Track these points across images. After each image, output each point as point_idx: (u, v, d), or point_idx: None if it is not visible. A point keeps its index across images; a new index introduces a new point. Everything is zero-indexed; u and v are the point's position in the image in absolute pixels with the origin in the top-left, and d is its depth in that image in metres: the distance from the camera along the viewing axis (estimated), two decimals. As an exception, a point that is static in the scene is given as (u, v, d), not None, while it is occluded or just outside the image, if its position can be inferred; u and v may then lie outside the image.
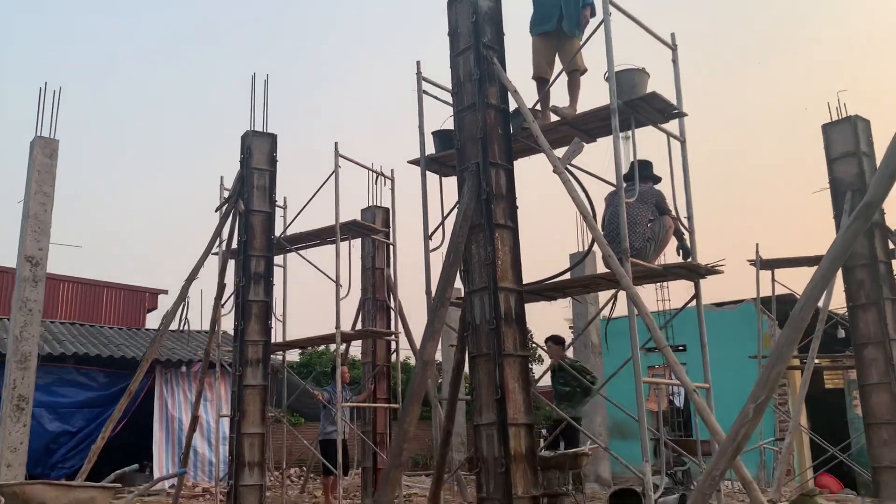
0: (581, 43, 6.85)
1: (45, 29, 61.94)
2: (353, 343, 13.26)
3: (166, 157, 61.47)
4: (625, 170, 6.76)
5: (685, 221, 6.66)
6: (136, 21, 66.24)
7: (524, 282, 6.25)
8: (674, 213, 6.71)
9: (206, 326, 12.71)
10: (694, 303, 6.75)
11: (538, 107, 7.01)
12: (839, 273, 9.93)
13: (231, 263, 9.35)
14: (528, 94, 6.97)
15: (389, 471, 5.04)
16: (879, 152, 10.09)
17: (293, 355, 29.23)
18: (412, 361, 20.99)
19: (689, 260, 6.57)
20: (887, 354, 9.51)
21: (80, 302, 20.68)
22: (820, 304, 10.13)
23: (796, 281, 13.01)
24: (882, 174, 3.82)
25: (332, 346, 17.70)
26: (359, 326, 11.53)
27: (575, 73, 6.94)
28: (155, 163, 59.89)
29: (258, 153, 9.05)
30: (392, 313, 11.29)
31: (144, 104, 63.13)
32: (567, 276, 7.13)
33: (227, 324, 10.41)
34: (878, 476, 9.46)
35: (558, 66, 7.09)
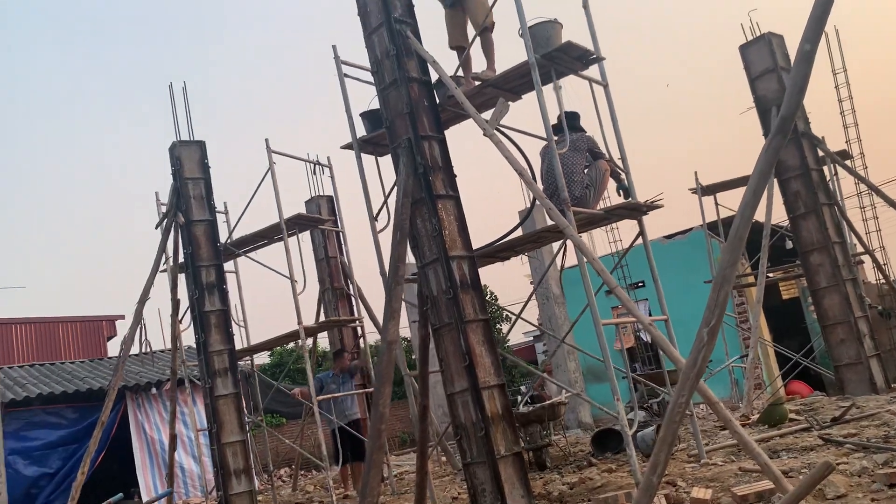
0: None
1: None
2: (322, 335, 13.26)
3: (98, 181, 59.83)
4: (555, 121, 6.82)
5: (619, 163, 6.77)
6: (37, 44, 63.91)
7: (475, 247, 6.33)
8: (607, 155, 6.80)
9: (168, 345, 12.57)
10: (641, 240, 6.90)
11: (461, 72, 7.01)
12: (776, 187, 10.22)
13: (182, 277, 9.22)
14: (448, 61, 6.97)
15: (371, 453, 5.10)
16: (796, 65, 10.34)
17: (263, 357, 29.05)
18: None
19: (630, 199, 6.69)
20: (832, 257, 9.87)
21: (37, 342, 20.19)
22: (762, 219, 10.45)
23: (738, 201, 13.36)
24: (792, 88, 3.93)
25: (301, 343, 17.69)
26: (322, 317, 11.50)
27: (486, 32, 6.88)
28: (87, 189, 58.25)
29: (189, 162, 8.90)
30: (353, 299, 11.28)
31: (60, 131, 61.12)
32: (516, 234, 7.22)
33: (190, 338, 10.29)
34: (840, 374, 9.88)
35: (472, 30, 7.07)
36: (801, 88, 4.01)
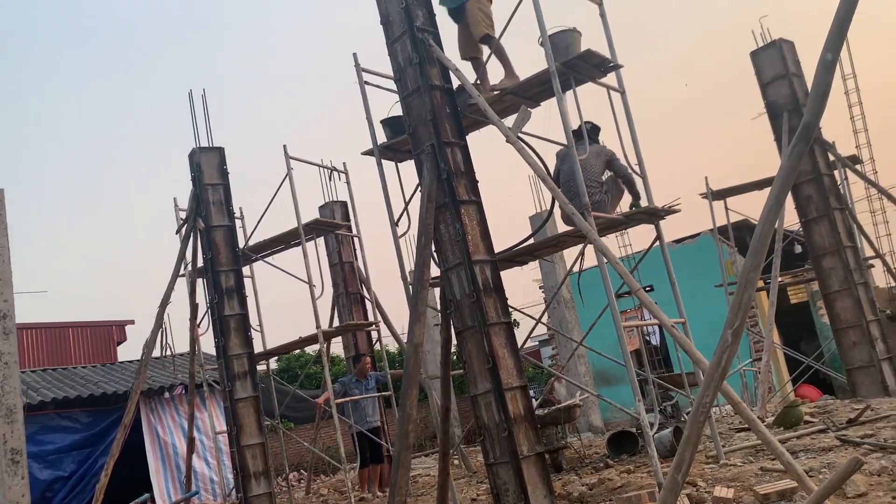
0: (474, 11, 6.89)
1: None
2: (333, 341, 13.33)
3: (100, 189, 60.15)
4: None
5: (636, 168, 6.86)
6: (56, 53, 64.30)
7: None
8: (627, 168, 6.81)
9: (181, 349, 12.68)
10: (657, 244, 7.00)
11: (479, 81, 7.12)
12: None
13: (199, 282, 9.34)
14: (467, 68, 7.09)
15: (399, 454, 5.20)
16: (807, 70, 10.48)
17: (270, 363, 29.07)
18: (390, 348, 21.14)
19: (647, 205, 6.79)
20: (844, 261, 9.97)
21: (48, 347, 20.29)
22: (775, 224, 10.54)
23: (748, 206, 13.49)
24: (814, 95, 4.04)
25: (308, 349, 17.70)
26: (336, 322, 11.61)
27: (489, 41, 6.88)
28: (91, 196, 58.56)
29: (209, 168, 9.03)
30: (367, 304, 11.39)
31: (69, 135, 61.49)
32: (534, 238, 7.32)
33: (207, 343, 10.40)
34: (852, 377, 9.96)
35: None
36: (823, 96, 4.11)
